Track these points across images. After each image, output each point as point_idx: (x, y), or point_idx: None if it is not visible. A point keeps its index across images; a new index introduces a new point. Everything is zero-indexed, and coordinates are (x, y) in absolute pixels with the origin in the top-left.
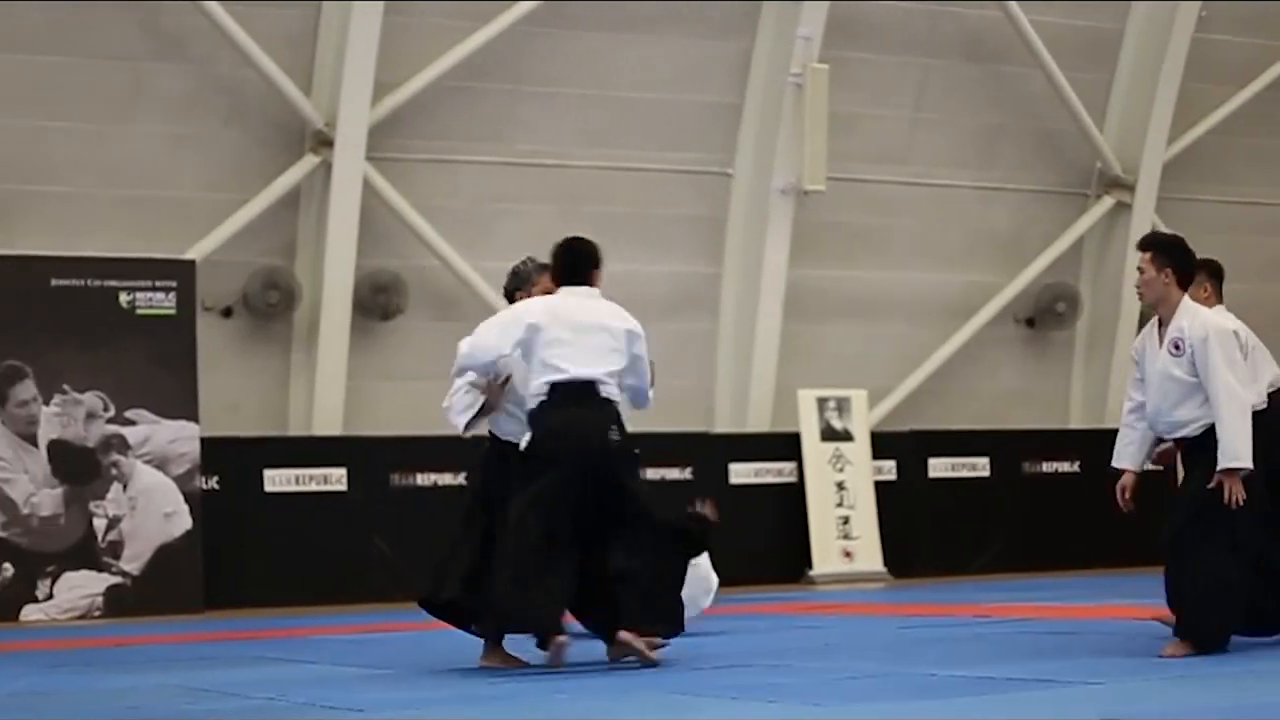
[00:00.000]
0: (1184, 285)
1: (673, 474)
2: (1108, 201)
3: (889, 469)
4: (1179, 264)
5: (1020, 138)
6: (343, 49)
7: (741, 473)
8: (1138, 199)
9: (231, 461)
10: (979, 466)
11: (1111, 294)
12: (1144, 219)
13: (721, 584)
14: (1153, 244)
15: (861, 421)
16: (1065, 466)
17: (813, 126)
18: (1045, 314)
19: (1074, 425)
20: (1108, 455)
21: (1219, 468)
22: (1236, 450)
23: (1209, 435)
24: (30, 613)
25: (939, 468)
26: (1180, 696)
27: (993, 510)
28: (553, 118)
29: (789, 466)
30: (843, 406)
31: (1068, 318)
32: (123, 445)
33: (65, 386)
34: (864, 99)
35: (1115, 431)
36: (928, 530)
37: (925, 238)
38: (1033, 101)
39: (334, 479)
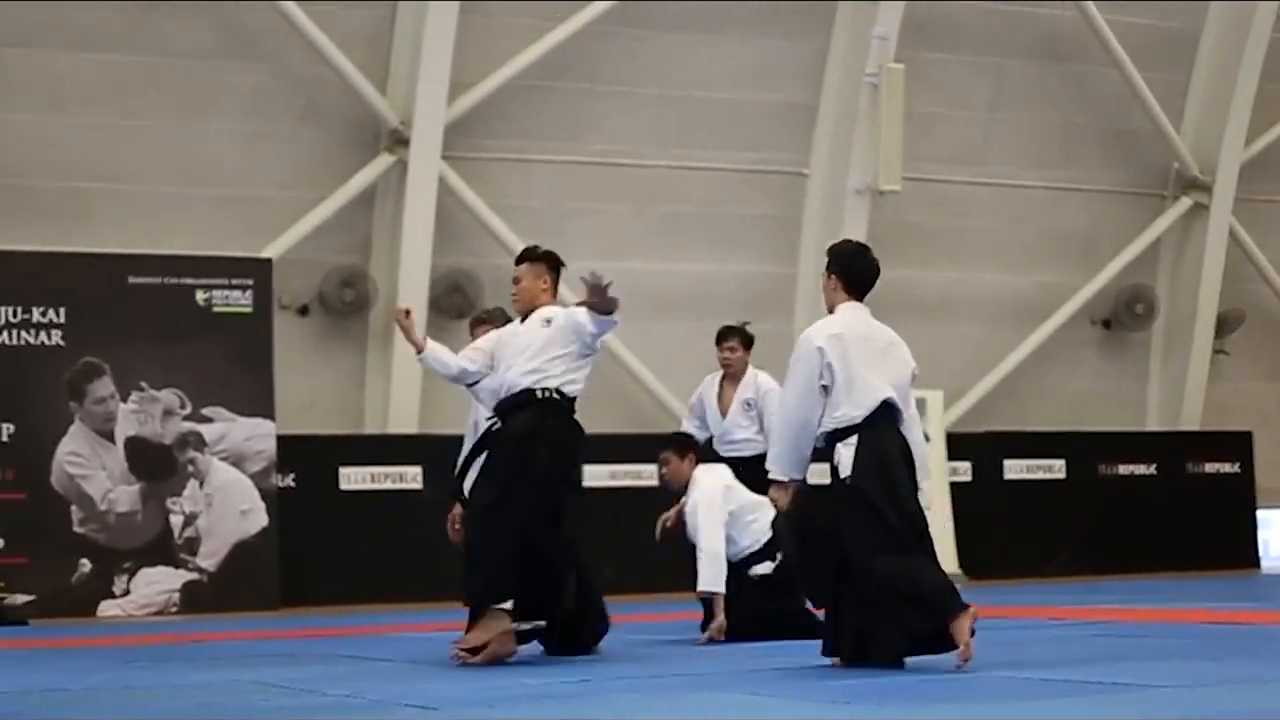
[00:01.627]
0: None
1: None
2: (1185, 202)
3: (964, 470)
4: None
5: (1096, 138)
6: (418, 48)
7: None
8: (1215, 200)
9: (307, 459)
10: (1055, 468)
11: (1189, 295)
12: (1221, 220)
13: None
14: None
15: (937, 422)
16: (1141, 469)
17: (889, 126)
18: (1122, 315)
19: (1150, 427)
20: (1184, 457)
21: None
22: None
23: None
24: (107, 608)
25: (1014, 469)
26: (1257, 700)
27: (1068, 512)
28: (627, 117)
29: None
30: (918, 407)
31: (1144, 319)
32: (199, 442)
33: (142, 384)
34: (940, 99)
35: (1192, 434)
36: (1003, 532)
37: (1001, 238)
38: (1109, 102)
39: (409, 477)
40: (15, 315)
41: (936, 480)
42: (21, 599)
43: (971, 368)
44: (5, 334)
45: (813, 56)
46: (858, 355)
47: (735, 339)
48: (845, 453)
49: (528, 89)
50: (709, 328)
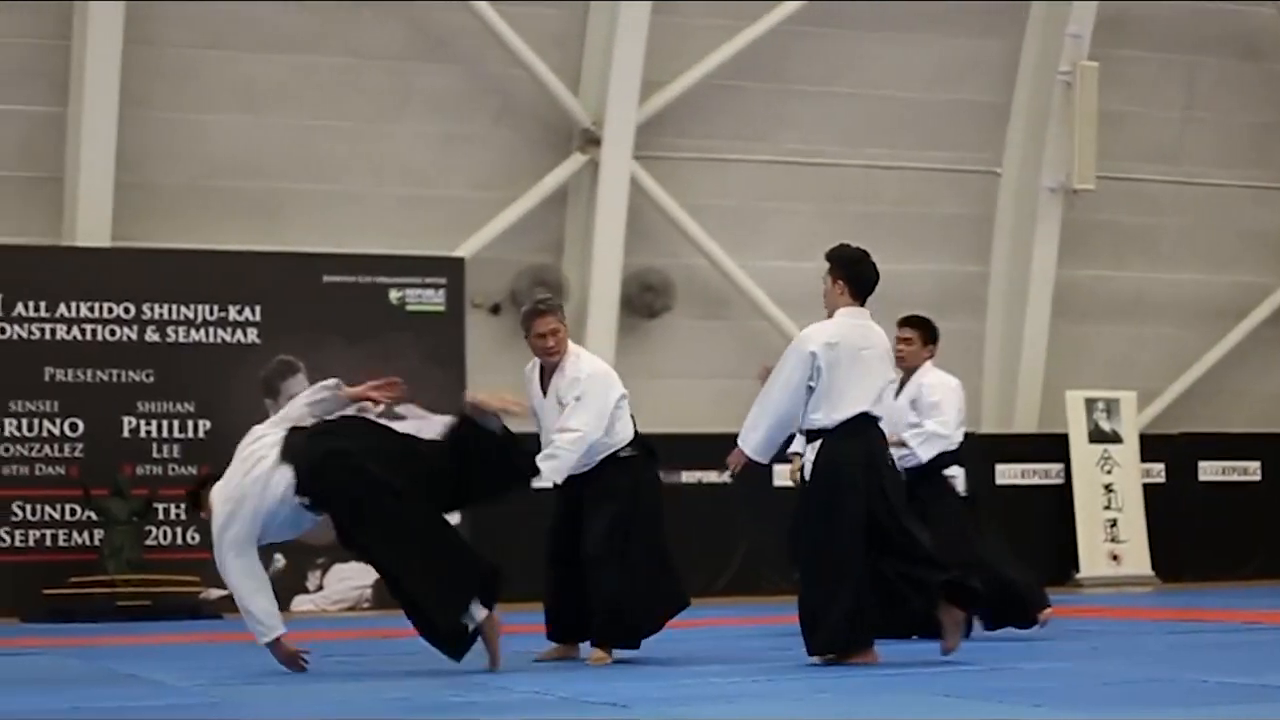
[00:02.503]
0: None
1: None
2: None
3: (1158, 472)
4: None
5: None
6: (610, 48)
7: (1008, 474)
8: None
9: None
10: (1250, 470)
11: None
12: None
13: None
14: None
15: (1130, 423)
16: None
17: (1082, 125)
18: None
19: None
20: None
21: None
22: None
23: None
24: (301, 603)
25: (1209, 471)
26: None
27: (1264, 515)
28: (819, 116)
29: (1056, 468)
30: (1111, 408)
31: None
32: None
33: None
34: (1133, 97)
35: None
36: (1197, 535)
37: (1196, 237)
38: None
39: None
40: (212, 313)
41: (1130, 482)
42: (216, 594)
43: (1165, 369)
44: (202, 332)
45: (1006, 55)
46: (846, 367)
47: (911, 329)
48: (809, 455)
49: (719, 88)
50: None
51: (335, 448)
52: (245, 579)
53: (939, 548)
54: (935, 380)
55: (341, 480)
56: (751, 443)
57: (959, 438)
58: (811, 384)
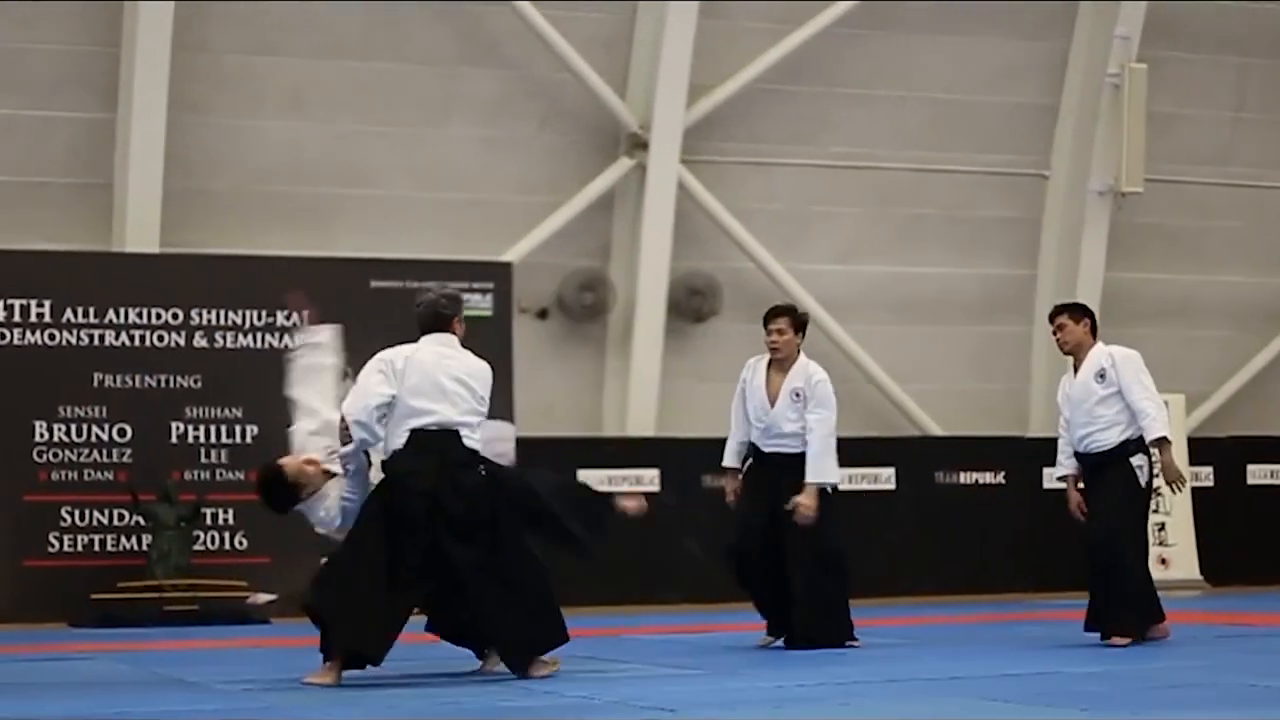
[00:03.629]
0: None
1: (985, 478)
2: None
3: (1206, 475)
4: None
5: None
6: (657, 52)
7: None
8: None
9: (546, 462)
10: None
11: None
12: None
13: (1039, 590)
14: None
15: (1178, 426)
16: None
17: (1131, 127)
18: None
19: None
20: None
21: None
22: None
23: None
24: None
25: (1258, 474)
26: None
27: None
28: (866, 119)
29: None
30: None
31: None
32: None
33: None
34: (1182, 98)
35: None
36: (1246, 538)
37: (1245, 240)
38: None
39: (646, 480)
40: (260, 319)
41: None
42: (264, 598)
43: (1214, 371)
44: (251, 337)
45: (1054, 57)
46: None
47: (784, 319)
48: None
49: (767, 92)
50: (949, 331)
51: None
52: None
53: None
54: (817, 372)
55: None
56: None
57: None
58: None
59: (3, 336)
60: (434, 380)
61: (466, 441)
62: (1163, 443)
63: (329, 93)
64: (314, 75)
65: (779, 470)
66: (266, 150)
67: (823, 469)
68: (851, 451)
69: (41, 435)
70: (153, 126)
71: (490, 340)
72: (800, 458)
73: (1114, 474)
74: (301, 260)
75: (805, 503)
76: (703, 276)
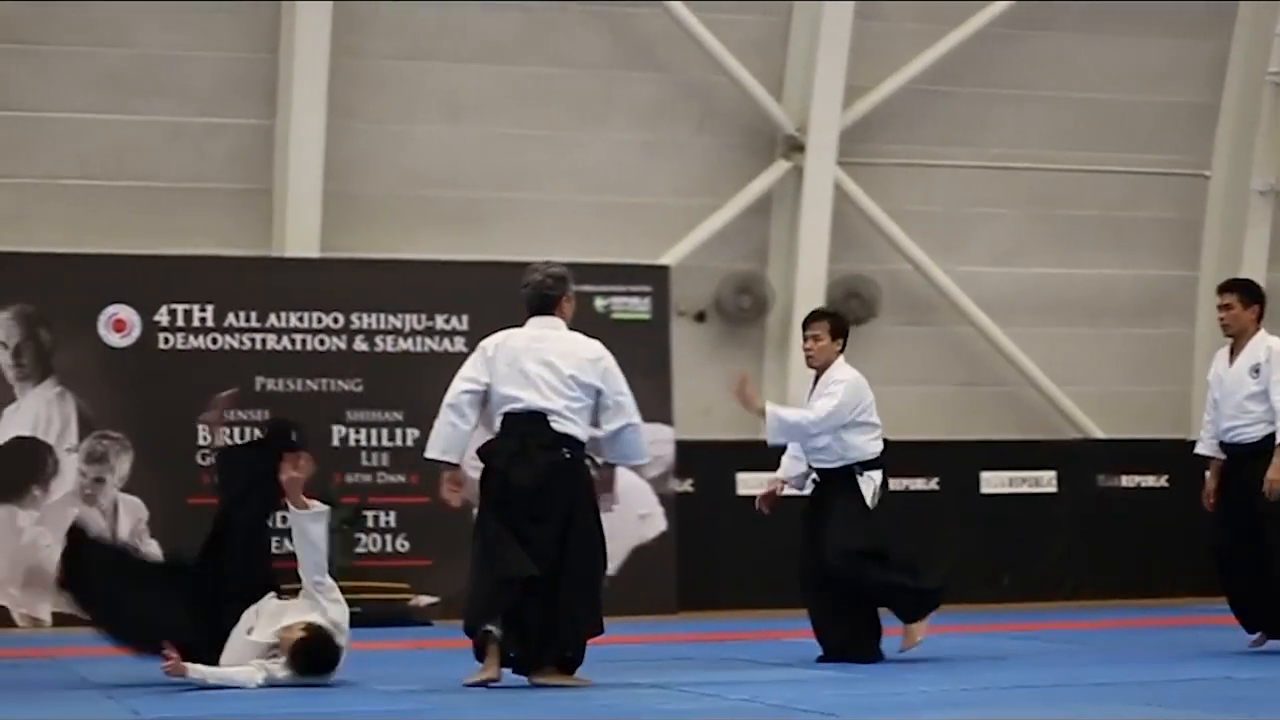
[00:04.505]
0: None
1: (1148, 481)
2: None
3: None
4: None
5: None
6: (814, 54)
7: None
8: None
9: (705, 464)
10: None
11: None
12: None
13: (1188, 594)
14: None
15: None
16: None
17: None
18: None
19: None
20: None
21: None
22: None
23: None
24: None
25: None
26: None
27: None
28: (1025, 120)
29: None
30: None
31: None
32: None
33: None
34: None
35: None
36: None
37: None
38: None
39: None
40: (419, 322)
41: None
42: (425, 600)
43: None
44: (409, 341)
45: (1214, 56)
46: None
47: (820, 325)
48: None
49: (923, 93)
50: (1109, 333)
51: None
52: None
53: None
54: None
55: None
56: None
57: None
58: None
59: (166, 341)
60: (519, 367)
61: (556, 425)
62: None
63: (485, 97)
64: (470, 79)
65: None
66: (424, 154)
67: None
68: (1012, 454)
69: (204, 439)
70: (312, 132)
71: (649, 343)
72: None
73: (1255, 470)
74: (461, 264)
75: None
76: (860, 279)
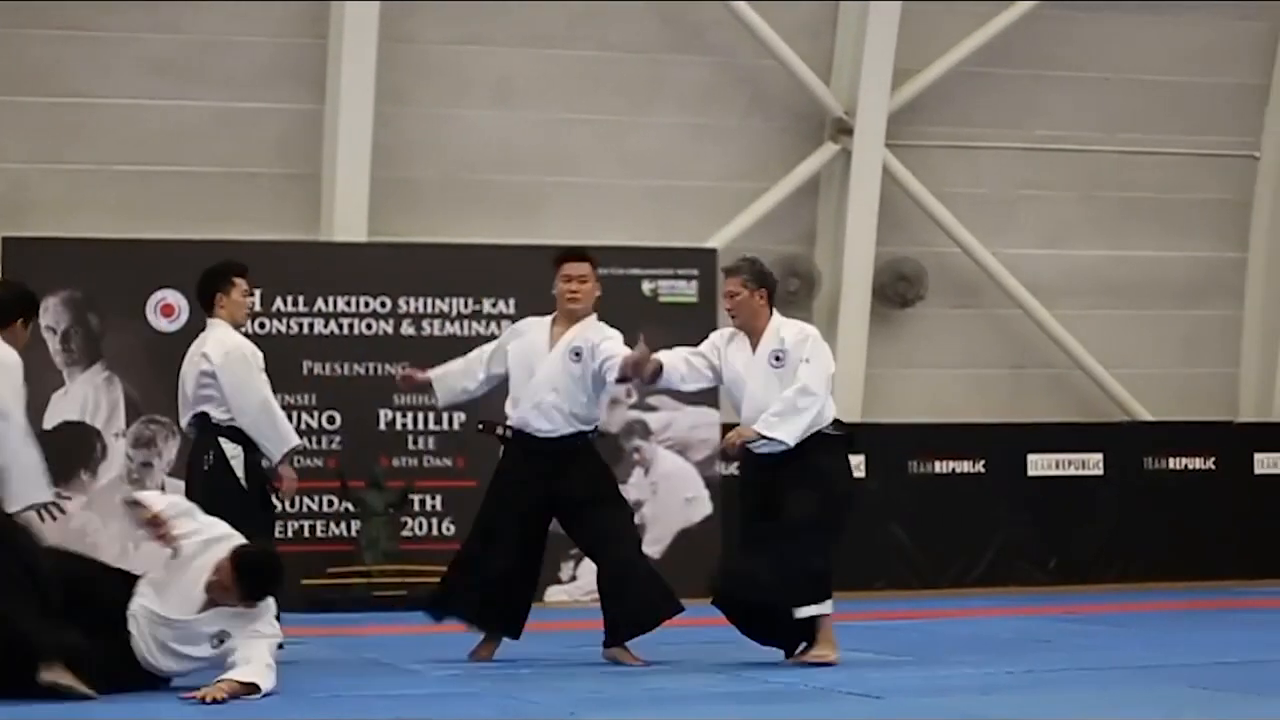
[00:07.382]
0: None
1: (1195, 464)
2: None
3: None
4: None
5: None
6: (862, 37)
7: (1267, 463)
8: None
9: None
10: None
11: None
12: None
13: (1242, 577)
14: None
15: None
16: None
17: None
18: None
19: None
20: None
21: None
22: None
23: None
24: (554, 594)
25: None
26: None
27: None
28: (1074, 102)
29: None
30: None
31: None
32: (644, 431)
33: None
34: None
35: None
36: None
37: None
38: None
39: (854, 465)
40: (467, 306)
41: None
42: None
43: None
44: (459, 324)
45: (1265, 36)
46: None
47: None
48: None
49: (972, 75)
50: (1157, 315)
51: None
52: None
53: None
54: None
55: None
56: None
57: None
58: None
59: None
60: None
61: None
62: None
63: (534, 82)
64: (519, 64)
65: None
66: (472, 139)
67: None
68: (1059, 437)
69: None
70: (360, 117)
71: (696, 326)
72: None
73: None
74: (508, 248)
75: None
76: (908, 261)
